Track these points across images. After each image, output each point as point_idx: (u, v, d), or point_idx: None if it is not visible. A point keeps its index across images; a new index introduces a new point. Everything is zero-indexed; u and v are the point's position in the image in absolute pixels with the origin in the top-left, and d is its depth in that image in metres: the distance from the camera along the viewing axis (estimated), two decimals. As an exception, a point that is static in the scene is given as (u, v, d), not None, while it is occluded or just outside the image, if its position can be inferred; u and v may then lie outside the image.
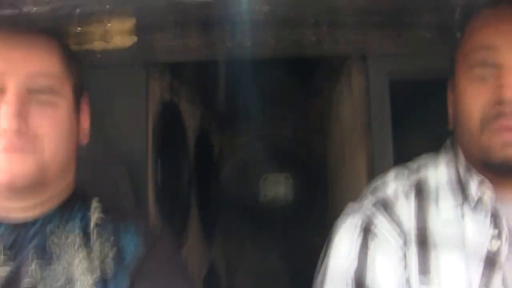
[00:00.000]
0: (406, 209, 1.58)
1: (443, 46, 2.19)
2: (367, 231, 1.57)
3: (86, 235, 1.58)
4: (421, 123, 2.53)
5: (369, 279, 1.50)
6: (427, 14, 2.07)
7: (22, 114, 1.47)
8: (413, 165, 1.71)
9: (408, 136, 2.50)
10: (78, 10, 1.93)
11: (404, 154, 2.31)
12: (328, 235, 1.68)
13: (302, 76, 3.51)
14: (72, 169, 1.67)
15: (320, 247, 1.66)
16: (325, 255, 1.64)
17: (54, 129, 1.53)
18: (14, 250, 1.50)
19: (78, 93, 1.65)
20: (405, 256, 1.53)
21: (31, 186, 1.50)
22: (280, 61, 2.59)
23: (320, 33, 2.24)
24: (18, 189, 1.49)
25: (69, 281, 1.48)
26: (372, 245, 1.55)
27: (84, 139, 1.70)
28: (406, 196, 1.61)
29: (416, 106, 2.47)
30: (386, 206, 1.60)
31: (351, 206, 1.69)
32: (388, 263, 1.52)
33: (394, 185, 1.64)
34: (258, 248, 4.59)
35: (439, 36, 2.20)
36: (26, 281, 1.45)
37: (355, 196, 2.81)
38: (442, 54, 2.13)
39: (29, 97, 1.50)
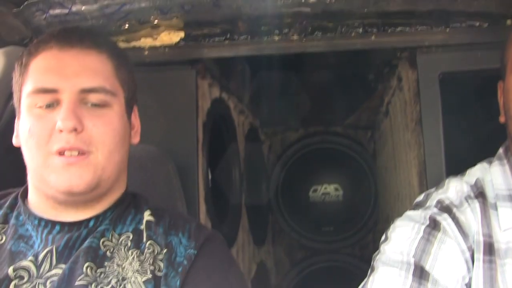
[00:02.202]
0: (471, 215, 1.54)
1: (493, 34, 2.13)
2: (434, 223, 1.53)
3: (137, 236, 1.58)
4: (473, 117, 2.47)
5: (429, 265, 1.45)
6: (476, 2, 2.03)
7: (77, 114, 1.48)
8: (469, 175, 1.67)
9: (459, 131, 2.44)
10: (125, 7, 1.94)
11: (456, 149, 2.25)
12: (382, 231, 1.63)
13: (351, 71, 3.47)
14: (124, 170, 1.67)
15: (370, 247, 1.62)
16: (384, 240, 1.59)
17: (108, 130, 1.54)
18: (67, 251, 1.51)
19: (130, 94, 1.66)
20: (466, 260, 1.48)
21: (88, 191, 1.52)
22: (328, 55, 2.56)
23: (368, 25, 2.21)
24: (75, 194, 1.51)
25: (121, 281, 1.48)
26: (438, 237, 1.50)
27: (136, 139, 1.69)
28: (469, 203, 1.56)
29: (467, 99, 2.40)
30: (450, 209, 1.56)
31: (412, 207, 1.64)
32: (451, 259, 1.48)
33: (455, 193, 1.61)
34: (307, 249, 4.57)
35: (488, 24, 2.15)
36: (78, 281, 1.46)
37: (407, 193, 2.77)
38: (492, 43, 2.07)
39: (83, 100, 1.52)
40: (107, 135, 1.53)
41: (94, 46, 1.58)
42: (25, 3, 1.96)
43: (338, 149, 4.51)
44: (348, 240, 4.47)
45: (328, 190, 4.55)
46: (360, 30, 2.21)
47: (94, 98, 1.53)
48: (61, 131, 1.47)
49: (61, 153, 1.48)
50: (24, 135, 1.53)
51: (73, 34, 1.61)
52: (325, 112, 4.26)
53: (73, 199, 1.52)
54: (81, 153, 1.49)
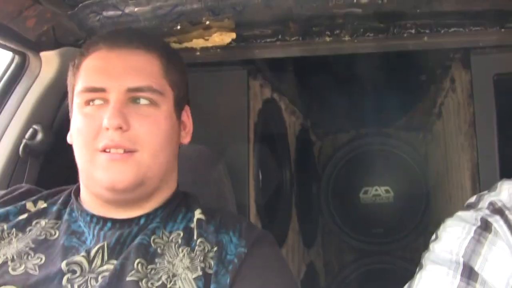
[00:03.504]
0: None
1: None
2: (486, 224, 1.50)
3: (188, 234, 1.59)
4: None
5: (478, 266, 1.43)
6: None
7: (123, 113, 1.50)
8: None
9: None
10: (177, 9, 1.96)
11: (510, 152, 2.21)
12: (431, 234, 1.62)
13: (403, 72, 3.44)
14: (174, 169, 1.69)
15: (421, 250, 1.60)
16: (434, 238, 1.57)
17: (154, 129, 1.56)
18: (118, 247, 1.53)
19: (180, 94, 1.67)
20: None
21: (131, 188, 1.53)
22: (380, 56, 2.54)
23: (421, 26, 2.18)
24: (119, 192, 1.53)
25: (172, 277, 1.49)
26: (488, 239, 1.48)
27: (187, 139, 1.71)
28: None
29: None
30: (502, 211, 1.53)
31: (464, 208, 1.62)
32: (501, 261, 1.45)
33: (508, 195, 1.57)
34: (357, 251, 4.54)
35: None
36: (129, 277, 1.47)
37: (459, 196, 2.73)
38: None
39: (130, 99, 1.54)
40: (153, 135, 1.55)
41: (142, 46, 1.60)
42: (80, 5, 1.99)
43: (389, 150, 4.48)
44: (399, 242, 4.43)
45: (379, 192, 4.53)
46: (413, 31, 2.18)
47: (141, 97, 1.55)
48: (107, 129, 1.49)
49: (106, 150, 1.50)
50: (74, 133, 1.57)
51: (122, 35, 1.64)
52: (376, 114, 4.23)
53: (118, 197, 1.55)
54: (127, 151, 1.51)
